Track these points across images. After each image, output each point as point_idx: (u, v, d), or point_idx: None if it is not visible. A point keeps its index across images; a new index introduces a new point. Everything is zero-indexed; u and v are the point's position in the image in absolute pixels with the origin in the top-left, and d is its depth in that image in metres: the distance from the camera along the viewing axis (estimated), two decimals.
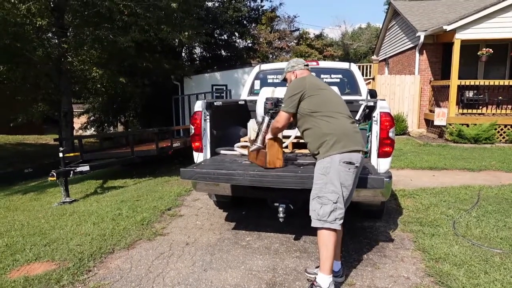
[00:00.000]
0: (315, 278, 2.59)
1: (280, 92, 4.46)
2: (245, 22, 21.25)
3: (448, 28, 9.91)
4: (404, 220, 4.07)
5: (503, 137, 9.91)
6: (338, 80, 5.15)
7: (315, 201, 2.54)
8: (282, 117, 2.81)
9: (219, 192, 3.76)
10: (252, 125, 3.80)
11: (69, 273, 2.96)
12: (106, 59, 11.47)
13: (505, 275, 2.77)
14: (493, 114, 10.26)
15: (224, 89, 14.64)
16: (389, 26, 16.19)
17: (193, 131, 3.70)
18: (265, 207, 3.66)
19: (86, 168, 6.20)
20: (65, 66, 10.06)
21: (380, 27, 19.22)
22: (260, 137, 3.28)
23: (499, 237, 3.49)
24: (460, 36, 9.94)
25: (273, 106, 3.82)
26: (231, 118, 4.32)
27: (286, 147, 3.81)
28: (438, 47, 11.86)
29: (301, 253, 3.32)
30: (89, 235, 3.79)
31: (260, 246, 3.47)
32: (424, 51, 11.99)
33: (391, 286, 2.74)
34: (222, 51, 20.61)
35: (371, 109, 3.48)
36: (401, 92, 12.25)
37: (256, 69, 5.43)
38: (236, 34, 20.11)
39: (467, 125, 9.86)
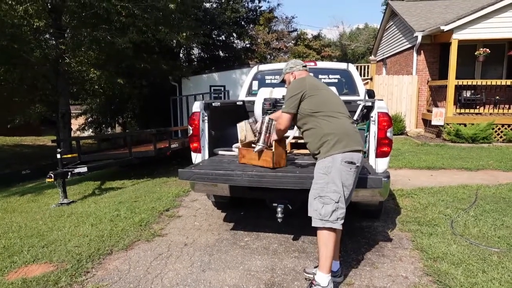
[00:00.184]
0: (314, 277, 2.59)
1: (278, 93, 4.46)
2: (243, 23, 21.25)
3: (446, 28, 9.95)
4: (402, 220, 4.08)
5: (501, 137, 9.95)
6: (336, 80, 5.16)
7: (316, 200, 2.54)
8: (283, 118, 2.80)
9: (217, 192, 3.76)
10: (242, 126, 3.79)
11: (67, 274, 2.95)
12: (104, 60, 11.45)
13: (503, 274, 2.78)
14: (491, 113, 10.29)
15: (222, 90, 14.63)
16: (387, 27, 16.23)
17: (191, 131, 3.70)
18: (264, 207, 3.66)
19: (84, 169, 6.19)
20: (62, 67, 10.04)
21: (378, 27, 19.27)
22: (262, 138, 3.27)
23: (496, 236, 3.50)
24: (457, 36, 9.97)
25: (271, 107, 3.83)
26: (229, 118, 4.32)
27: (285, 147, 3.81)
28: (435, 47, 11.90)
29: (299, 253, 3.32)
30: (87, 236, 3.78)
31: (258, 247, 3.47)
32: (422, 51, 12.03)
33: (389, 286, 2.74)
34: (220, 52, 20.61)
35: (369, 109, 3.48)
36: (399, 92, 12.28)
37: (254, 70, 5.43)
38: (234, 35, 20.11)
39: (465, 125, 9.89)
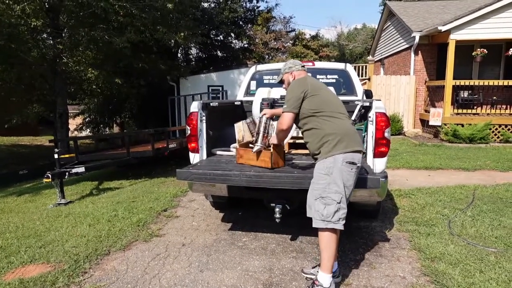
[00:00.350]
0: (316, 277, 2.60)
1: (276, 93, 4.47)
2: (241, 22, 21.24)
3: (443, 28, 9.97)
4: (400, 220, 4.09)
5: (498, 137, 9.98)
6: (334, 80, 5.16)
7: (318, 201, 2.53)
8: (286, 118, 2.73)
9: (215, 192, 3.76)
10: (240, 126, 3.79)
11: (64, 275, 2.94)
12: (102, 59, 11.43)
13: (500, 274, 2.79)
14: (488, 114, 10.33)
15: (220, 89, 14.62)
16: (385, 27, 16.26)
17: (189, 131, 3.69)
18: (262, 207, 3.66)
19: (81, 169, 6.17)
20: (60, 67, 10.01)
21: (376, 27, 19.30)
22: (260, 138, 3.27)
23: (494, 236, 3.52)
24: (454, 36, 10.00)
25: (269, 107, 3.83)
26: (227, 118, 4.32)
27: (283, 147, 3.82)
28: (433, 48, 11.93)
29: (297, 253, 3.32)
30: (84, 236, 3.77)
31: (256, 247, 3.47)
32: (419, 51, 12.05)
33: (387, 286, 2.75)
34: (218, 52, 20.59)
35: (367, 109, 3.49)
36: (397, 93, 12.31)
37: (252, 70, 5.43)
38: (232, 34, 20.09)
39: (462, 125, 9.92)
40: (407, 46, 12.84)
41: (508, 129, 9.93)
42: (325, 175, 2.54)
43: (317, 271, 2.86)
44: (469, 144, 9.50)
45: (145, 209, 4.67)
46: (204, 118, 3.70)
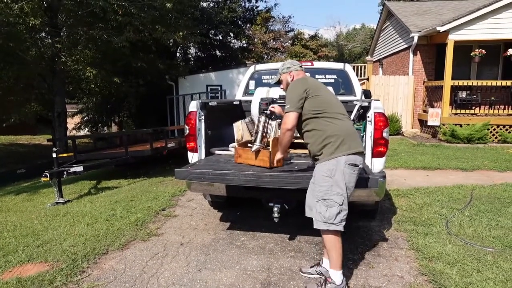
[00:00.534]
0: (328, 275, 2.63)
1: (275, 93, 4.47)
2: (240, 22, 21.25)
3: (442, 29, 9.99)
4: (398, 220, 4.09)
5: (496, 137, 10.00)
6: (333, 80, 5.16)
7: (320, 203, 2.53)
8: (290, 117, 2.66)
9: (214, 192, 3.75)
10: (239, 126, 3.79)
11: (62, 274, 2.94)
12: (100, 59, 11.42)
13: (498, 274, 2.80)
14: (486, 114, 10.35)
15: (219, 89, 14.62)
16: (383, 27, 16.28)
17: (187, 131, 3.69)
18: (260, 207, 3.66)
19: (79, 168, 6.16)
20: (58, 66, 10.00)
21: (375, 28, 19.33)
22: (259, 137, 3.27)
23: (491, 236, 3.53)
24: (453, 37, 10.02)
25: (268, 106, 3.83)
26: (226, 118, 4.32)
27: None
28: (431, 48, 11.94)
29: (295, 253, 3.33)
30: (82, 235, 3.77)
31: (255, 246, 3.47)
32: (418, 51, 12.07)
33: (385, 285, 2.75)
34: (217, 51, 20.60)
35: (366, 109, 3.49)
36: (395, 93, 12.32)
37: (251, 70, 5.43)
38: (231, 34, 20.11)
39: (460, 125, 9.94)
40: (405, 46, 12.86)
41: (506, 130, 9.96)
42: (327, 177, 2.53)
43: (317, 270, 2.88)
44: (467, 144, 9.53)
45: (143, 208, 4.67)
46: (202, 117, 3.70)
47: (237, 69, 15.24)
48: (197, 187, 3.63)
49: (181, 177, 3.23)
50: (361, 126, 3.70)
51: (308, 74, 3.10)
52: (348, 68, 5.21)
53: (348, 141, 2.56)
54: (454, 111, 10.49)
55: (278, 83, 3.05)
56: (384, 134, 3.22)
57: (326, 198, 2.51)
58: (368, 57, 16.47)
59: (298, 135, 2.88)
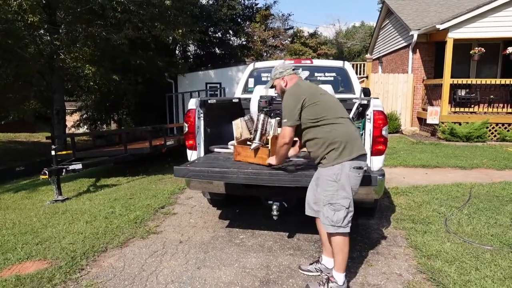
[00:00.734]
0: (332, 274, 2.64)
1: (274, 91, 4.45)
2: (239, 20, 21.21)
3: (441, 27, 9.98)
4: (396, 218, 4.10)
5: (494, 136, 10.01)
6: (332, 78, 5.16)
7: (327, 207, 2.53)
8: (287, 131, 2.66)
9: (213, 190, 3.75)
10: (238, 123, 3.79)
11: (61, 271, 2.94)
12: (99, 56, 11.40)
13: (496, 272, 2.80)
14: (485, 112, 10.36)
15: (218, 87, 14.62)
16: (383, 25, 16.26)
17: (187, 129, 3.69)
18: (259, 205, 3.66)
19: (78, 166, 6.16)
20: (57, 63, 9.98)
21: (374, 25, 19.30)
22: (258, 135, 3.27)
23: (490, 234, 3.53)
24: (452, 35, 10.01)
25: (267, 104, 3.83)
26: (225, 116, 4.32)
27: None
28: (431, 46, 11.93)
29: (294, 250, 3.33)
30: (81, 233, 3.77)
31: (254, 244, 3.48)
32: (417, 49, 12.06)
33: (383, 283, 2.76)
34: (216, 49, 20.56)
35: (365, 107, 3.49)
36: (395, 91, 12.33)
37: (250, 67, 5.41)
38: (230, 32, 20.08)
39: (459, 124, 9.94)
40: (405, 44, 12.85)
41: (505, 128, 9.97)
42: (333, 181, 2.52)
43: (316, 268, 2.88)
44: (466, 142, 9.54)
45: (143, 206, 4.67)
46: (202, 115, 3.69)
47: (236, 67, 15.23)
48: (196, 185, 3.63)
49: (180, 175, 3.23)
50: (360, 124, 3.70)
51: (307, 73, 3.08)
52: (348, 66, 5.21)
53: (351, 145, 2.54)
54: (453, 109, 10.49)
55: (273, 87, 3.01)
56: (383, 132, 3.22)
57: (333, 202, 2.51)
58: (368, 55, 16.46)
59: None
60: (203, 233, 3.77)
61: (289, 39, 26.12)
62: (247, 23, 22.25)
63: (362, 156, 2.60)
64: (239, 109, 4.76)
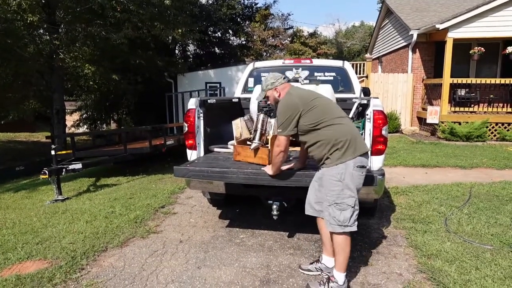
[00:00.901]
0: (332, 273, 2.64)
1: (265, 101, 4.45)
2: (239, 19, 21.19)
3: (441, 26, 9.98)
4: (396, 217, 4.10)
5: (494, 135, 10.02)
6: (332, 78, 5.16)
7: (332, 207, 2.53)
8: (282, 140, 2.66)
9: (213, 190, 3.76)
10: (238, 123, 3.78)
11: (61, 271, 2.94)
12: (99, 56, 11.39)
13: (496, 271, 2.81)
14: (485, 112, 10.36)
15: (218, 86, 14.61)
16: (383, 25, 16.26)
17: (186, 128, 3.68)
18: (259, 205, 3.66)
19: (78, 166, 6.16)
20: (57, 62, 9.96)
21: (374, 25, 19.29)
22: (257, 135, 3.26)
23: (490, 234, 3.54)
24: (452, 35, 10.01)
25: (267, 104, 3.83)
26: (225, 116, 4.31)
27: None
28: (430, 46, 11.93)
29: (294, 250, 3.33)
30: (82, 233, 3.77)
31: (254, 244, 3.48)
32: (417, 49, 12.06)
33: (383, 283, 2.76)
34: (216, 49, 20.54)
35: (365, 107, 3.49)
36: (394, 90, 12.33)
37: (250, 67, 5.41)
38: (230, 31, 20.06)
39: (459, 123, 9.95)
40: (405, 44, 12.85)
41: (505, 127, 9.98)
42: (337, 181, 2.52)
43: (316, 267, 2.89)
44: (466, 142, 9.54)
45: (143, 205, 4.67)
46: (201, 115, 3.69)
47: (236, 67, 15.21)
48: (196, 185, 3.63)
49: (180, 174, 3.23)
50: (360, 123, 3.70)
51: (295, 84, 3.03)
52: (347, 65, 5.21)
53: (353, 144, 2.54)
54: (453, 109, 10.50)
55: (266, 98, 2.96)
56: (383, 132, 3.22)
57: (339, 202, 2.51)
58: (367, 55, 16.45)
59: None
60: (203, 233, 3.77)
61: (288, 38, 26.10)
62: (247, 22, 22.23)
63: (365, 154, 2.60)
64: (239, 108, 4.76)
